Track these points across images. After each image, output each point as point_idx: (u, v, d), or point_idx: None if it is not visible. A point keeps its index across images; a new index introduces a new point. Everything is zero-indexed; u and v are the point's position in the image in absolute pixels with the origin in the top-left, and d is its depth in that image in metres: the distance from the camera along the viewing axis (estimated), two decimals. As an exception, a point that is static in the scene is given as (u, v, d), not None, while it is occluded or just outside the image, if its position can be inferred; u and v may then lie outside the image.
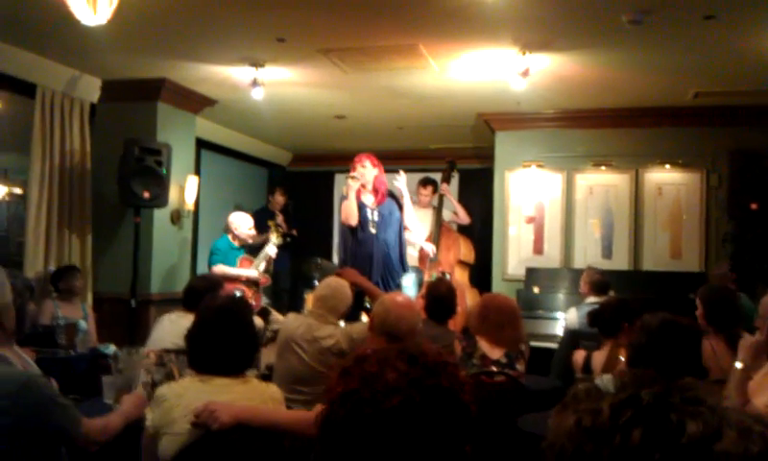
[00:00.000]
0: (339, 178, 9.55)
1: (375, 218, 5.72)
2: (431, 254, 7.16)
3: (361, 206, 5.72)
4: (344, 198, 5.78)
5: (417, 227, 7.46)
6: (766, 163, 6.65)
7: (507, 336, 3.90)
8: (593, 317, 4.10)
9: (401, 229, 5.89)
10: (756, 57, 5.54)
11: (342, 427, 1.21)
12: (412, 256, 7.45)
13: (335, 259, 8.36)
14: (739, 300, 4.50)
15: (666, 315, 2.69)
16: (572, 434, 0.80)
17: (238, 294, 6.21)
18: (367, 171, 5.73)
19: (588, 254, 7.63)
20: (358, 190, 5.71)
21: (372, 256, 5.61)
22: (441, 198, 7.56)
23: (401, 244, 5.86)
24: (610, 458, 0.76)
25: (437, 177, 7.93)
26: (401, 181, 5.98)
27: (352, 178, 5.68)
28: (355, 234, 5.71)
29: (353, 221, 5.69)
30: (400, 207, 5.90)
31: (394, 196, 5.90)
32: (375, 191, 5.79)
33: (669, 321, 2.65)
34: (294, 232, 8.70)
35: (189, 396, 2.43)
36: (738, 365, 2.87)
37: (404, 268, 5.99)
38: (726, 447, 0.71)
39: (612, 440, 0.76)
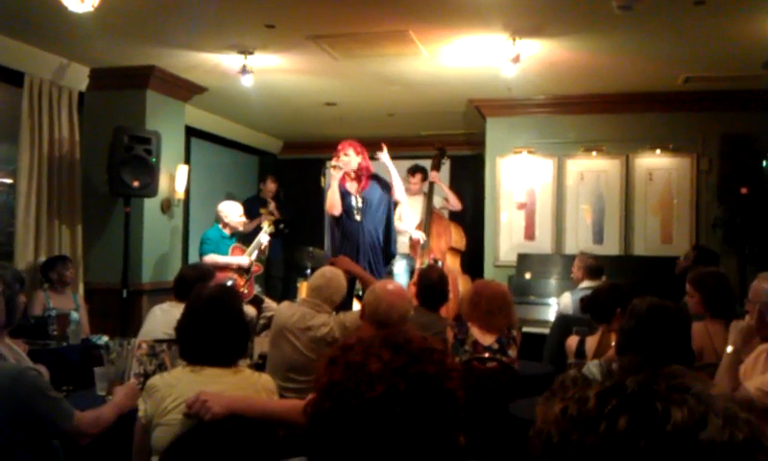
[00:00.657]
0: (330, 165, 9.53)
1: (360, 205, 5.71)
2: (421, 242, 7.17)
3: (345, 194, 5.71)
4: (328, 187, 5.79)
5: (406, 208, 7.49)
6: (756, 147, 6.66)
7: (498, 322, 3.91)
8: (586, 303, 4.10)
9: (390, 212, 5.86)
10: (745, 41, 5.55)
11: (328, 418, 1.22)
12: (403, 243, 7.46)
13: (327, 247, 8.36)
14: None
15: (654, 299, 2.68)
16: (558, 422, 0.80)
17: (230, 283, 6.19)
18: (350, 159, 5.70)
19: (579, 239, 7.65)
20: (342, 178, 5.69)
21: (359, 244, 5.61)
22: (431, 185, 7.56)
23: (389, 228, 5.83)
24: (595, 446, 0.76)
25: (428, 164, 7.92)
26: (384, 156, 5.92)
27: (334, 167, 5.67)
28: (340, 223, 5.71)
29: (336, 211, 5.69)
30: (388, 189, 5.85)
31: (379, 179, 5.87)
32: (359, 178, 5.77)
33: (656, 305, 2.65)
34: (287, 219, 8.70)
35: (181, 386, 2.43)
36: (729, 349, 2.89)
37: (392, 252, 5.99)
38: (711, 434, 0.71)
39: (597, 428, 0.76)
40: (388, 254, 5.89)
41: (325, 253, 6.14)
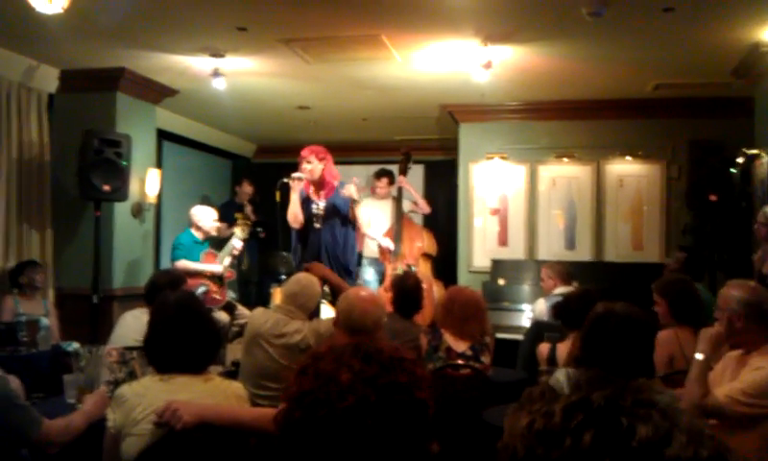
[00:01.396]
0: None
1: (320, 212, 5.67)
2: (391, 248, 7.17)
3: (307, 202, 5.68)
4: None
5: (375, 212, 7.48)
6: (725, 154, 6.75)
7: (472, 329, 3.92)
8: (558, 309, 4.12)
9: (350, 220, 5.77)
10: (714, 48, 5.63)
11: (299, 427, 1.21)
12: (372, 249, 7.46)
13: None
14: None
15: (604, 306, 2.64)
16: (524, 436, 0.80)
17: (202, 289, 6.14)
18: (313, 166, 5.66)
19: (551, 245, 7.71)
20: (306, 185, 5.67)
21: (320, 251, 5.56)
22: (400, 190, 7.55)
23: (349, 236, 5.76)
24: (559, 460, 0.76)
25: (394, 169, 7.92)
26: (351, 189, 5.71)
27: (295, 179, 5.62)
28: (301, 231, 5.68)
29: (296, 223, 5.68)
30: (353, 201, 5.73)
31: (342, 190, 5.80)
32: (322, 185, 5.73)
33: (606, 312, 2.59)
34: (265, 220, 8.63)
35: (150, 395, 2.39)
36: (699, 356, 2.91)
37: (355, 260, 5.92)
38: (676, 451, 0.71)
39: (562, 443, 0.76)
40: (353, 260, 5.83)
41: (292, 261, 6.09)
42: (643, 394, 0.77)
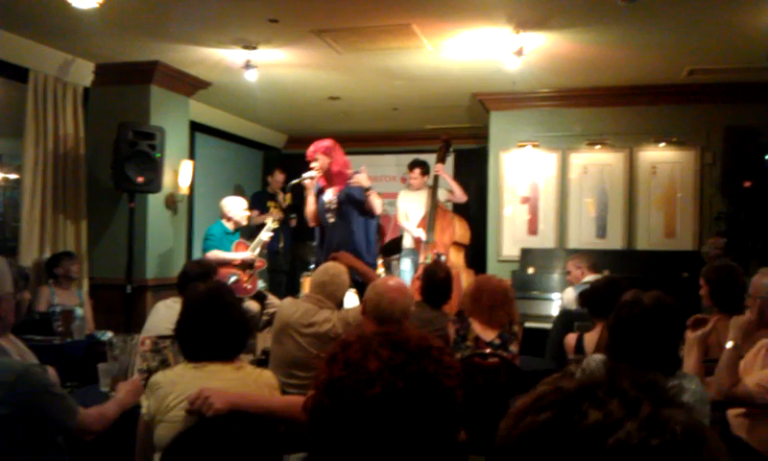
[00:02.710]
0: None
1: (333, 207, 5.68)
2: (423, 239, 7.17)
3: (319, 196, 5.72)
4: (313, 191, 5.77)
5: (411, 204, 7.49)
6: (760, 140, 6.64)
7: (500, 318, 3.91)
8: (584, 297, 4.09)
9: (367, 210, 5.70)
10: (749, 33, 5.53)
11: (328, 415, 1.22)
12: (410, 240, 7.49)
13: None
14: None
15: (633, 294, 2.60)
16: (507, 415, 0.82)
17: (233, 278, 6.21)
18: (320, 162, 5.66)
19: (582, 234, 7.64)
20: (323, 181, 5.70)
21: (338, 245, 5.56)
22: (436, 178, 7.54)
23: (368, 227, 5.75)
24: (517, 438, 0.77)
25: (432, 158, 7.92)
26: (361, 178, 5.64)
27: (306, 179, 5.65)
28: (321, 227, 5.72)
29: (314, 222, 5.75)
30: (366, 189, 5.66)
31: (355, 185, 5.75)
32: (332, 178, 5.73)
33: (633, 301, 2.56)
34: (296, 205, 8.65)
35: (183, 383, 2.44)
36: (729, 344, 2.89)
37: (375, 250, 5.92)
38: (620, 437, 0.71)
39: (523, 421, 0.78)
40: (371, 250, 5.82)
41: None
42: (619, 383, 0.78)
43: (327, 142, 5.74)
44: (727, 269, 3.74)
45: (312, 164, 5.68)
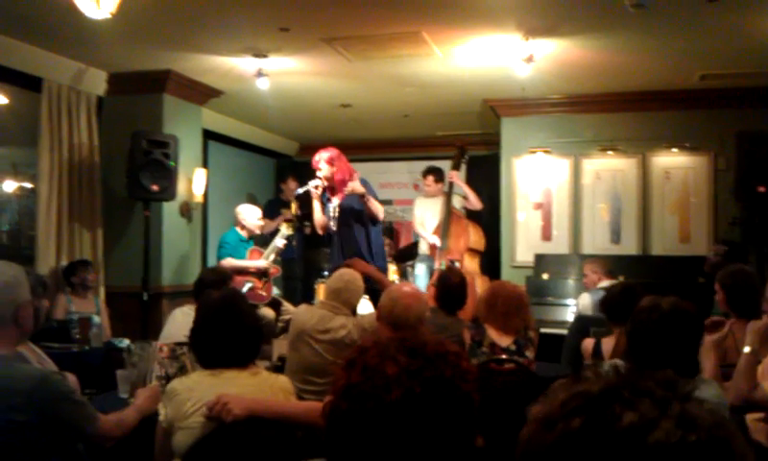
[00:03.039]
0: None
1: (336, 214, 5.72)
2: (437, 245, 7.18)
3: (327, 205, 5.77)
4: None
5: (426, 211, 7.51)
6: (773, 145, 6.62)
7: (515, 324, 3.91)
8: (602, 303, 4.09)
9: (369, 217, 5.74)
10: (760, 38, 5.52)
11: (346, 420, 1.23)
12: (425, 247, 7.51)
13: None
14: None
15: (660, 300, 2.61)
16: (529, 421, 0.83)
17: (248, 286, 6.23)
18: (323, 172, 5.69)
19: (596, 239, 7.63)
20: (326, 189, 5.74)
21: (342, 252, 5.62)
22: (451, 185, 7.53)
23: (370, 234, 5.77)
24: (551, 445, 0.78)
25: (444, 164, 7.93)
26: (354, 185, 5.65)
27: (311, 188, 5.68)
28: (330, 234, 5.77)
29: (321, 230, 5.83)
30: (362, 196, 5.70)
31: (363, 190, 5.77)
32: (334, 188, 5.76)
33: (651, 306, 2.56)
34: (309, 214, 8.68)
35: (200, 389, 2.46)
36: (747, 349, 2.88)
37: (380, 256, 5.90)
38: (658, 436, 0.73)
39: (555, 427, 0.78)
40: (376, 259, 5.84)
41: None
42: (645, 384, 0.79)
43: (332, 151, 5.76)
44: (742, 274, 3.73)
45: (318, 173, 5.72)
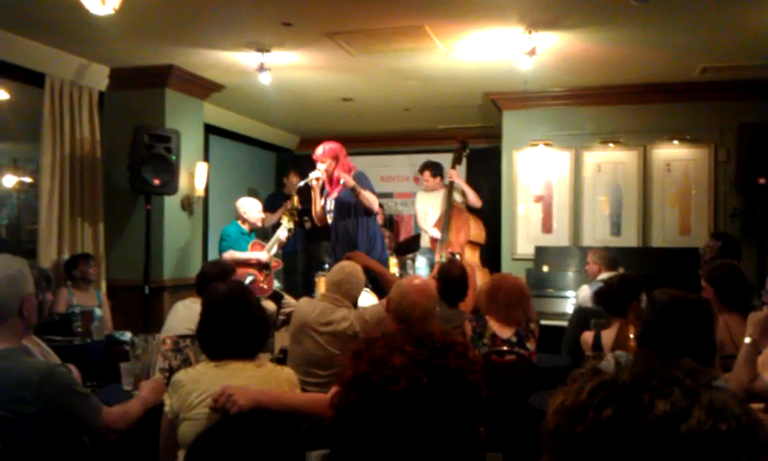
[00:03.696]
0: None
1: (332, 207, 5.79)
2: (438, 238, 7.20)
3: (324, 198, 5.88)
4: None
5: (426, 205, 7.55)
6: (774, 137, 6.62)
7: (517, 315, 3.94)
8: (600, 295, 4.10)
9: (363, 209, 5.87)
10: (762, 30, 5.52)
11: (354, 410, 1.24)
12: (426, 240, 7.54)
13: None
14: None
15: (675, 292, 2.67)
16: (556, 412, 0.84)
17: (249, 279, 6.25)
18: (325, 166, 5.83)
19: (597, 231, 7.64)
20: (325, 183, 5.80)
21: (340, 244, 5.69)
22: (451, 181, 7.54)
23: (365, 226, 5.87)
24: (582, 435, 0.79)
25: (445, 157, 7.93)
26: (346, 178, 5.82)
27: (313, 180, 5.77)
28: (329, 227, 5.84)
29: (320, 222, 5.95)
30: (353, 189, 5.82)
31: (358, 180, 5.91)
32: (331, 181, 5.86)
33: (679, 298, 2.63)
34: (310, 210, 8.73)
35: (205, 381, 2.48)
36: (747, 340, 2.90)
37: (376, 248, 5.97)
38: (691, 426, 0.74)
39: (585, 417, 0.79)
40: (373, 251, 5.90)
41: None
42: (671, 373, 0.80)
43: (335, 146, 5.87)
44: (727, 268, 3.73)
45: (318, 165, 5.74)
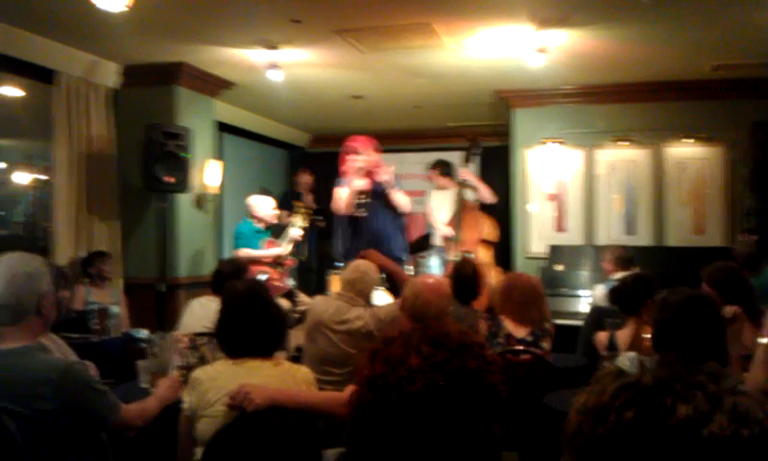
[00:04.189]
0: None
1: (364, 202, 5.77)
2: (450, 236, 7.19)
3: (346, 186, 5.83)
4: (338, 184, 5.84)
5: (438, 203, 7.54)
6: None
7: (531, 315, 3.93)
8: (614, 294, 4.09)
9: (395, 210, 5.92)
10: (775, 28, 5.49)
11: (370, 410, 1.24)
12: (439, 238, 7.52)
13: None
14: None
15: (688, 291, 2.66)
16: (578, 412, 0.84)
17: (263, 276, 6.27)
18: (367, 157, 5.83)
19: (610, 230, 7.62)
20: (365, 173, 5.79)
21: (369, 240, 5.65)
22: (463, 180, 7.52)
23: (395, 223, 5.90)
24: (603, 436, 0.79)
25: (455, 155, 7.91)
26: (386, 175, 5.90)
27: (358, 169, 5.72)
28: (351, 222, 5.78)
29: (344, 210, 5.82)
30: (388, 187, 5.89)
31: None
32: (368, 175, 5.84)
33: (692, 297, 2.63)
34: (324, 210, 8.74)
35: (223, 378, 2.49)
36: (764, 340, 2.88)
37: (402, 246, 6.03)
38: (713, 430, 0.74)
39: (606, 419, 0.79)
40: (401, 250, 5.93)
41: (336, 250, 6.21)
42: (696, 377, 0.80)
43: (373, 139, 5.92)
44: (727, 269, 3.67)
45: (360, 155, 5.80)
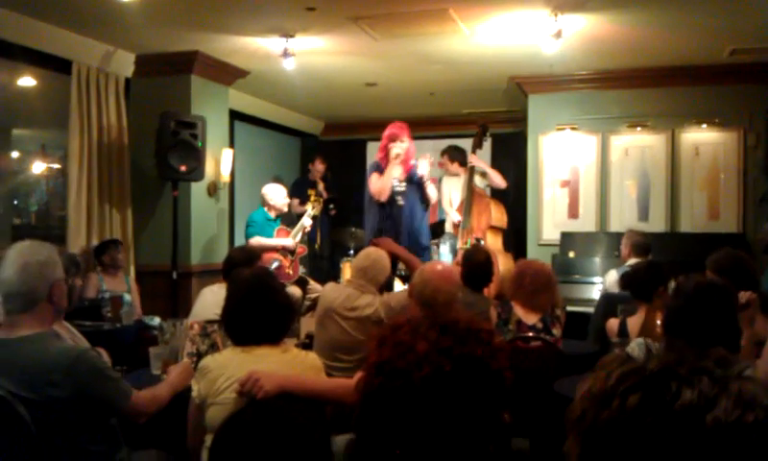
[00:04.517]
0: (371, 146, 9.55)
1: (403, 189, 5.78)
2: (456, 221, 7.20)
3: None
4: (375, 169, 5.84)
5: (451, 190, 7.55)
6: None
7: (542, 302, 3.92)
8: (626, 280, 4.07)
9: (426, 201, 6.02)
10: (793, 12, 5.42)
11: (378, 396, 1.25)
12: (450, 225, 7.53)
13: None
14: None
15: (700, 277, 2.66)
16: (583, 397, 0.84)
17: (275, 264, 6.29)
18: (406, 144, 5.87)
19: (624, 217, 7.56)
20: (387, 162, 5.80)
21: (400, 228, 5.68)
22: (472, 167, 7.51)
23: (424, 212, 5.97)
24: (607, 421, 0.79)
25: (469, 142, 7.88)
26: (425, 166, 5.97)
27: (397, 156, 5.75)
28: (383, 207, 5.78)
29: (385, 196, 5.77)
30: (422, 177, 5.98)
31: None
32: (405, 163, 5.84)
33: (705, 284, 2.62)
34: (337, 198, 8.80)
35: (232, 366, 2.50)
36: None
37: (428, 234, 6.15)
38: (717, 415, 0.73)
39: (610, 404, 0.79)
40: (427, 237, 6.00)
41: (366, 234, 6.22)
42: (702, 362, 0.79)
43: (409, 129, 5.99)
44: (732, 257, 3.61)
45: (400, 143, 5.84)
